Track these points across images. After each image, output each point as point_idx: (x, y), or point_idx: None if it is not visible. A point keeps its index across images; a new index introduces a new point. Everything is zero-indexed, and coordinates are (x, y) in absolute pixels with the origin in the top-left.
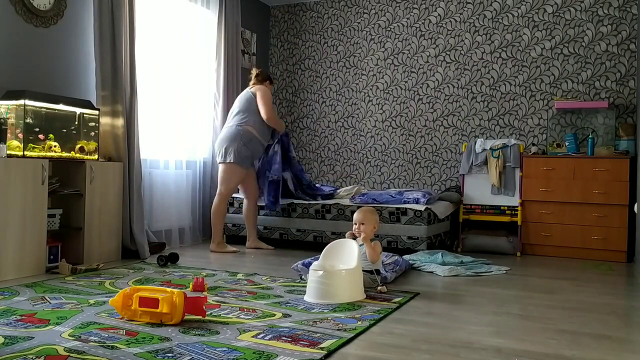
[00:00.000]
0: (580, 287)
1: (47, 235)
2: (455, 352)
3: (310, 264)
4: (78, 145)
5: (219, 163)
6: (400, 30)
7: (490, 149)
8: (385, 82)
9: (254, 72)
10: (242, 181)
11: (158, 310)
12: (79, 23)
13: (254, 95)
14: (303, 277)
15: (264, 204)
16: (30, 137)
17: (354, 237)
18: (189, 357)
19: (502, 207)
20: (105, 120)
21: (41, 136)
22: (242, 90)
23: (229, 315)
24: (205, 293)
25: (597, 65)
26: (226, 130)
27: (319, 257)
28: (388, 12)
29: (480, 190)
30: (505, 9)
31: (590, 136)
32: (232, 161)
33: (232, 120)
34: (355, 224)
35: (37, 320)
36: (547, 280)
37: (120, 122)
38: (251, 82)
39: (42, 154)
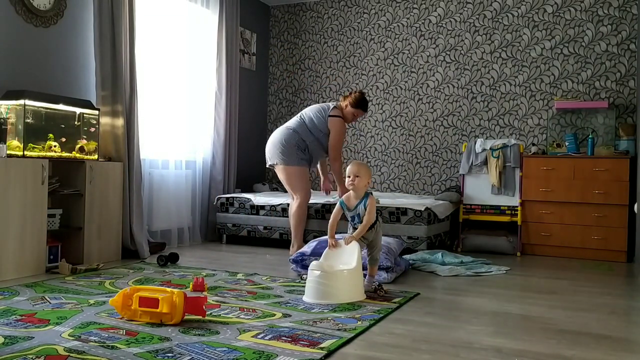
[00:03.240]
0: (580, 287)
1: (47, 235)
2: (455, 352)
3: (304, 253)
4: (78, 145)
5: (276, 166)
6: (400, 30)
7: (490, 149)
8: (385, 82)
9: (357, 92)
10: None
11: (158, 310)
12: (79, 23)
13: (328, 124)
14: (303, 277)
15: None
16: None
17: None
18: (189, 357)
19: (502, 207)
20: (105, 120)
21: (54, 143)
22: (243, 90)
23: (229, 315)
24: (205, 293)
25: (597, 65)
26: (284, 131)
27: (312, 246)
28: (388, 12)
29: (480, 190)
30: (505, 9)
31: (590, 136)
32: (290, 164)
33: (293, 123)
34: (349, 176)
35: (37, 320)
36: (547, 280)
37: (120, 122)
38: (342, 99)
39: (42, 154)
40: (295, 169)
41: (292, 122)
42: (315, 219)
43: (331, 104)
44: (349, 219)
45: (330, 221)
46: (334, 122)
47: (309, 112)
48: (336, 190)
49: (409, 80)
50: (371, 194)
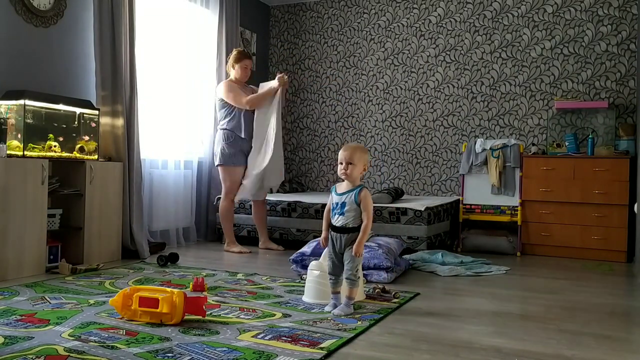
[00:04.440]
0: (580, 287)
1: (47, 235)
2: (455, 352)
3: (304, 253)
4: (78, 145)
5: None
6: (400, 30)
7: (490, 149)
8: (385, 82)
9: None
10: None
11: (158, 310)
12: (79, 23)
13: (216, 94)
14: (303, 277)
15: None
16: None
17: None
18: (189, 357)
19: (502, 207)
20: (105, 120)
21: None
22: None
23: (229, 315)
24: (205, 293)
25: (597, 65)
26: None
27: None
28: (388, 12)
29: (480, 190)
30: (505, 9)
31: (590, 136)
32: (221, 163)
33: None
34: (341, 163)
35: (37, 320)
36: (547, 280)
37: (120, 122)
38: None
39: (42, 154)
40: (224, 168)
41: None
42: (315, 219)
43: None
44: (332, 205)
45: (324, 214)
46: (218, 87)
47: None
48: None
49: (409, 80)
50: (365, 186)
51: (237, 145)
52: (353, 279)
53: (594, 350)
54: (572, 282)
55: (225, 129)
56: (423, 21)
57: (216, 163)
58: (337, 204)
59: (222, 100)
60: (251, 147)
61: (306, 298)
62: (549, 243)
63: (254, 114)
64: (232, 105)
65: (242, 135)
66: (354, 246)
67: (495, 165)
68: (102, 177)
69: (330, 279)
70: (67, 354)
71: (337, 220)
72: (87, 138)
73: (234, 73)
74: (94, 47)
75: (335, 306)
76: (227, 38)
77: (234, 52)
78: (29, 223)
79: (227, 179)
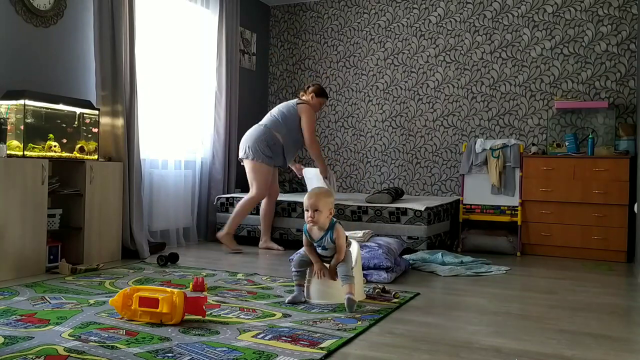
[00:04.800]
0: (580, 287)
1: (47, 235)
2: (455, 352)
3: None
4: (78, 145)
5: (243, 160)
6: (400, 30)
7: (490, 149)
8: (385, 82)
9: (312, 85)
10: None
11: (158, 310)
12: (79, 23)
13: (299, 114)
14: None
15: None
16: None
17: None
18: (189, 357)
19: (502, 207)
20: (105, 120)
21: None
22: (243, 90)
23: (229, 315)
24: (205, 293)
25: (597, 65)
26: (255, 128)
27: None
28: (388, 12)
29: (480, 190)
30: (505, 9)
31: (590, 136)
32: (255, 159)
33: (265, 120)
34: (307, 210)
35: (37, 320)
36: (547, 280)
37: (120, 122)
38: (303, 94)
39: (42, 154)
40: (258, 165)
41: (264, 119)
42: None
43: (296, 100)
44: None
45: (306, 248)
46: (303, 108)
47: (278, 108)
48: (310, 166)
49: (409, 80)
50: (337, 222)
51: (277, 154)
52: (350, 275)
53: (594, 350)
54: (572, 282)
55: (276, 134)
56: (423, 21)
57: (250, 158)
58: (318, 246)
59: (299, 118)
60: (281, 165)
61: (306, 298)
62: (549, 243)
63: (296, 147)
64: (295, 126)
65: (285, 153)
66: (329, 271)
67: (495, 165)
68: (102, 177)
69: (297, 272)
70: (67, 354)
71: (321, 252)
72: (85, 138)
73: (311, 101)
74: (94, 47)
75: (295, 298)
76: (227, 38)
77: (321, 88)
78: (29, 223)
79: (260, 177)
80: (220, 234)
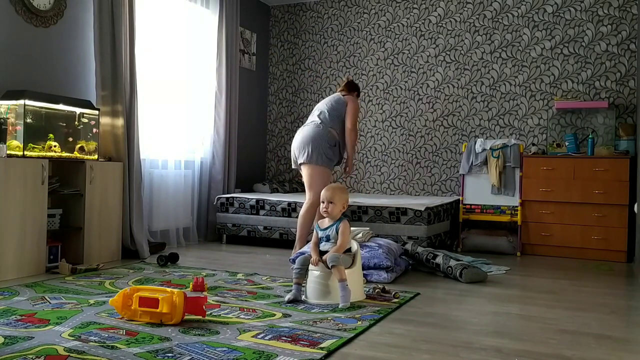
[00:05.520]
0: (580, 287)
1: (47, 235)
2: (455, 352)
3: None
4: (78, 145)
5: (303, 164)
6: (400, 30)
7: (490, 149)
8: (385, 82)
9: (345, 79)
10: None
11: (158, 310)
12: (79, 23)
13: (345, 102)
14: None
15: None
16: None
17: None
18: (189, 357)
19: (502, 207)
20: (105, 120)
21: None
22: (243, 90)
23: (229, 315)
24: (205, 293)
25: (597, 65)
26: (311, 127)
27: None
28: (388, 12)
29: (480, 190)
30: (505, 9)
31: (590, 136)
32: (320, 164)
33: (317, 118)
34: (323, 202)
35: (37, 320)
36: (547, 280)
37: (120, 122)
38: (339, 89)
39: (42, 154)
40: (321, 169)
41: (314, 117)
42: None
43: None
44: (320, 238)
45: (312, 245)
46: (352, 98)
47: (325, 103)
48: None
49: (409, 80)
50: (346, 218)
51: (336, 154)
52: (337, 259)
53: (594, 350)
54: (572, 282)
55: (332, 130)
56: (423, 21)
57: (313, 162)
58: (321, 237)
59: (345, 109)
60: (337, 164)
61: (306, 298)
62: (549, 243)
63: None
64: (343, 118)
65: (341, 149)
66: (314, 258)
67: (495, 165)
68: (102, 177)
69: (299, 269)
70: (67, 354)
71: (324, 246)
72: (85, 138)
73: (354, 98)
74: (94, 47)
75: (295, 296)
76: (227, 38)
77: (353, 82)
78: (29, 223)
79: (321, 182)
80: (295, 251)
